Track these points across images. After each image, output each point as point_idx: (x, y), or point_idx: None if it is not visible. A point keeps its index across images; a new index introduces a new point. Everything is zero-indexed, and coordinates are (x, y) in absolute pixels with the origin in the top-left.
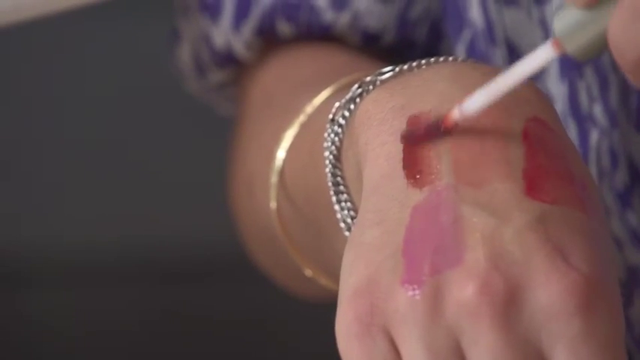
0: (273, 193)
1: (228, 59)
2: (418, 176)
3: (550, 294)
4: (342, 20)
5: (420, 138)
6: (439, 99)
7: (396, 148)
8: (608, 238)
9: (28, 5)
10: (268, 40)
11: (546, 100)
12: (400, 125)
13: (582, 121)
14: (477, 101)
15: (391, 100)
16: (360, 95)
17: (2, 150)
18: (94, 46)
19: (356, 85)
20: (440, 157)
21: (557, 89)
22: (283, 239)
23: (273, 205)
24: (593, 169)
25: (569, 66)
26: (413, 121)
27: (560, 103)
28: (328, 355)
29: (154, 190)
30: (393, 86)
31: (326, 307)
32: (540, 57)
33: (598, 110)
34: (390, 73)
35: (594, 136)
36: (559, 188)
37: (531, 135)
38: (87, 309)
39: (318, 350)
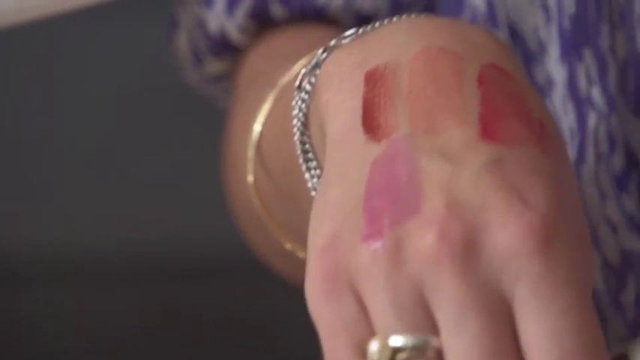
0: (250, 166)
1: (222, 45)
2: (377, 130)
3: (508, 235)
4: (335, 2)
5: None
6: (395, 51)
7: (357, 104)
8: (570, 177)
9: (31, 7)
10: (262, 24)
11: (504, 47)
12: (359, 81)
13: (581, 104)
14: None
15: (350, 58)
16: (325, 60)
17: (2, 150)
18: (94, 46)
19: (320, 50)
20: (396, 108)
21: (557, 72)
22: (262, 213)
23: (250, 178)
24: (590, 153)
25: (569, 49)
26: (370, 76)
27: (560, 86)
28: None
29: (154, 190)
30: (352, 45)
31: None
32: None
33: (596, 93)
34: (353, 36)
35: (592, 119)
36: (515, 130)
37: (486, 80)
38: (87, 309)
39: (318, 350)
